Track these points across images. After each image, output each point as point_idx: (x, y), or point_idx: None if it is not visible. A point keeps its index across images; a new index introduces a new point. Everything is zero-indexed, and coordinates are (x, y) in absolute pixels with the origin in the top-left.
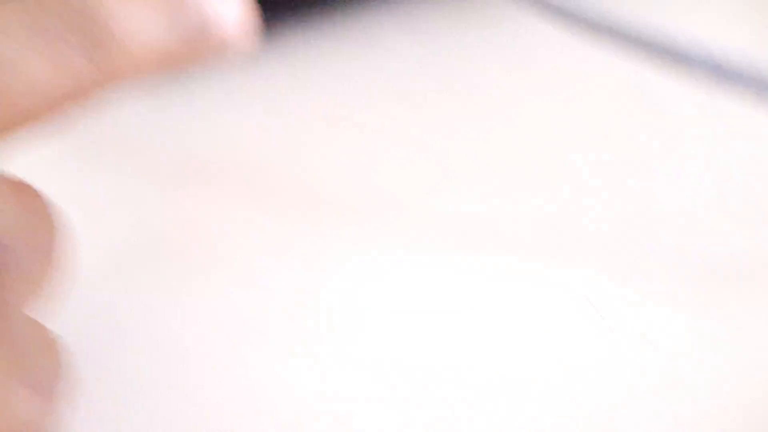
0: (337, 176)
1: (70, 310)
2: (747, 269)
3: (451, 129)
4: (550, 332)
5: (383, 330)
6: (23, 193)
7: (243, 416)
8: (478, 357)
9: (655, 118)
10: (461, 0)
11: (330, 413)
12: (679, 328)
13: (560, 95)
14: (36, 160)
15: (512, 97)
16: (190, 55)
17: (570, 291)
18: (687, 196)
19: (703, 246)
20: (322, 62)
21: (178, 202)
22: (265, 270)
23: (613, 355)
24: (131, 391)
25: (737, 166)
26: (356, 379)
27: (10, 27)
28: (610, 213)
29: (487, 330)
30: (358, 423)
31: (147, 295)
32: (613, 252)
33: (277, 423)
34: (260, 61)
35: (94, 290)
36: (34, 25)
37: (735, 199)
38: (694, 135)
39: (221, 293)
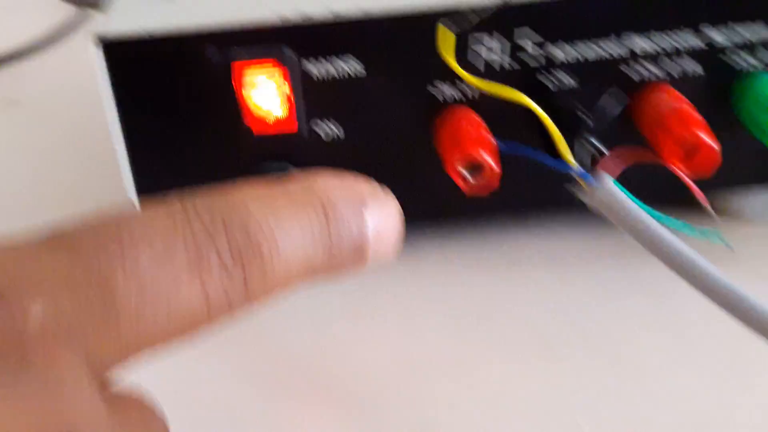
0: (453, 415)
1: None
2: None
3: (580, 379)
4: None
5: None
6: (146, 417)
7: None
8: None
9: None
10: (604, 234)
11: None
12: None
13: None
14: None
15: (648, 358)
16: (340, 270)
17: None
18: None
19: None
20: (452, 280)
21: (279, 417)
22: None
23: None
24: None
25: None
26: None
27: (160, 245)
28: None
29: None
30: None
31: None
32: None
33: None
34: (392, 271)
35: None
36: (188, 244)
37: None
38: None
39: None
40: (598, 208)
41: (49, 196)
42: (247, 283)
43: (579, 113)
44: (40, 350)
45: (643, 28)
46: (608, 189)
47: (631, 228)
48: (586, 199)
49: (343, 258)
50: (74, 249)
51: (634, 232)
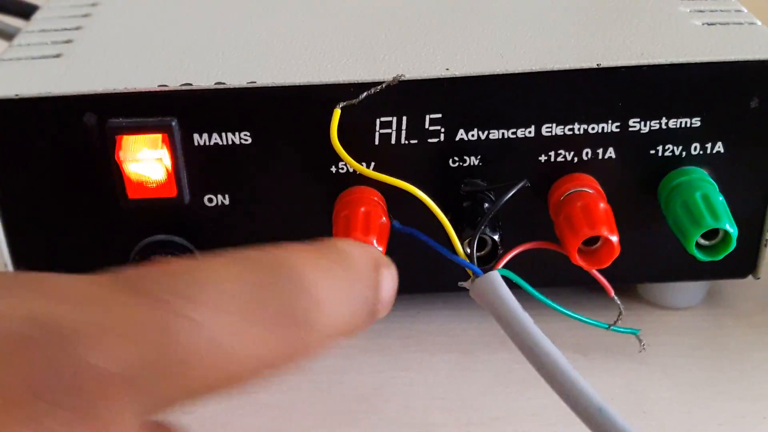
0: None
1: None
2: None
3: None
4: None
5: None
6: None
7: None
8: None
9: None
10: None
11: None
12: None
13: None
14: None
15: None
16: (362, 327)
17: None
18: None
19: None
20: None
21: None
22: None
23: None
24: None
25: None
26: None
27: (224, 296)
28: None
29: None
30: None
31: None
32: None
33: None
34: None
35: None
36: (249, 298)
37: None
38: None
39: None
40: (477, 300)
41: None
42: (299, 339)
43: (484, 203)
44: (97, 393)
45: (563, 120)
46: (490, 282)
47: (505, 324)
48: (470, 291)
49: (364, 318)
50: (140, 293)
51: (507, 328)
